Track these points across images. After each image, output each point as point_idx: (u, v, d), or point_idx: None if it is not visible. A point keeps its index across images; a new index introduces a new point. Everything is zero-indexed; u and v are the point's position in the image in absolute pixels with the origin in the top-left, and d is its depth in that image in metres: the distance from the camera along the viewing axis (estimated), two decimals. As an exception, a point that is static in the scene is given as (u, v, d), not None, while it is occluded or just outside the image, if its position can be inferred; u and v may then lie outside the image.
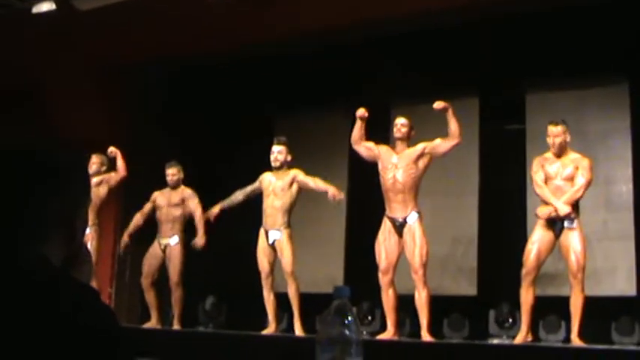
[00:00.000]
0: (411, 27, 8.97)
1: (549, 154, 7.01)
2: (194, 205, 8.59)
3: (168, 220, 8.64)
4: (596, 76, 8.92)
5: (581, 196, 6.83)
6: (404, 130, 7.37)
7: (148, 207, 8.79)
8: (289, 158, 7.90)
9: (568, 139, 6.95)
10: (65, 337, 1.29)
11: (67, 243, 1.53)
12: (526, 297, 6.91)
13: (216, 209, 8.33)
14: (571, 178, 6.86)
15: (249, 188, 8.14)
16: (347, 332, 1.70)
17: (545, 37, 8.69)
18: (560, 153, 6.93)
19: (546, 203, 6.86)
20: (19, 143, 1.56)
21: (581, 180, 6.80)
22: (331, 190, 7.66)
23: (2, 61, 9.54)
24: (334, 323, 1.71)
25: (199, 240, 8.40)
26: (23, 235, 1.46)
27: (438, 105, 7.12)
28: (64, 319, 1.31)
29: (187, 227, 8.70)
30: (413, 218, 7.23)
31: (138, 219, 8.81)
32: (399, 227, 7.26)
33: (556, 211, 6.75)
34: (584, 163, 6.87)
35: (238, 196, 8.23)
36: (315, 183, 7.83)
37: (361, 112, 7.46)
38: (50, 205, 1.49)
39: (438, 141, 7.24)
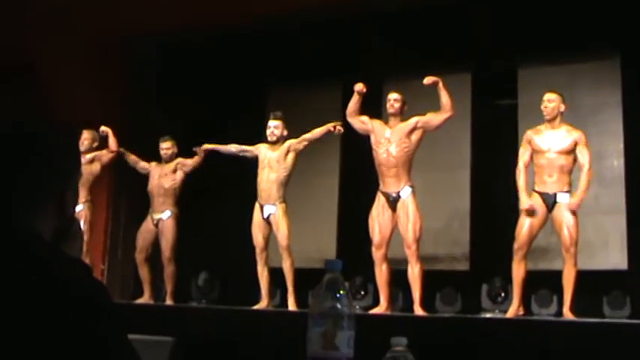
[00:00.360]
0: (404, 3, 8.94)
1: (541, 127, 7.02)
2: (189, 161, 8.62)
3: (160, 194, 8.63)
4: (588, 51, 8.91)
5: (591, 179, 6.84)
6: (397, 105, 7.37)
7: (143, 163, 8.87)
8: (285, 133, 7.90)
9: (562, 108, 6.96)
10: (57, 310, 1.29)
11: (57, 216, 1.52)
12: (518, 271, 6.95)
13: (208, 146, 8.35)
14: (567, 152, 6.86)
15: (245, 147, 8.12)
16: (339, 306, 1.70)
17: (537, 12, 8.66)
18: (552, 119, 6.94)
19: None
20: (12, 119, 1.55)
21: (584, 160, 6.81)
22: (330, 126, 7.72)
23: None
24: (326, 297, 1.71)
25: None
26: (16, 207, 1.45)
27: (428, 80, 7.15)
28: (56, 291, 1.30)
29: (180, 201, 8.70)
30: (406, 193, 7.24)
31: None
32: (393, 202, 7.27)
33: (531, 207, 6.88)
34: (581, 137, 6.87)
35: (231, 148, 8.23)
36: (312, 134, 7.83)
37: (360, 86, 7.47)
38: (41, 178, 1.49)
39: (430, 115, 7.26)
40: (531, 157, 7.04)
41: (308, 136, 7.85)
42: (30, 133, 1.52)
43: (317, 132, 7.82)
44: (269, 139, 7.91)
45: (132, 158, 8.89)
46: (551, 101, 6.97)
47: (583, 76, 8.92)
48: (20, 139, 1.50)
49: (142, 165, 8.86)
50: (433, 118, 7.25)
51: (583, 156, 6.83)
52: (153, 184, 8.70)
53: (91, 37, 9.72)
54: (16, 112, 1.57)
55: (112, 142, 8.79)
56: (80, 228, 1.58)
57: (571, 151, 6.87)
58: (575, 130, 6.93)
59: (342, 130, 7.81)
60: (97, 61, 9.91)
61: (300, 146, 7.86)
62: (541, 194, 6.92)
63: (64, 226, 1.54)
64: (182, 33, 10.10)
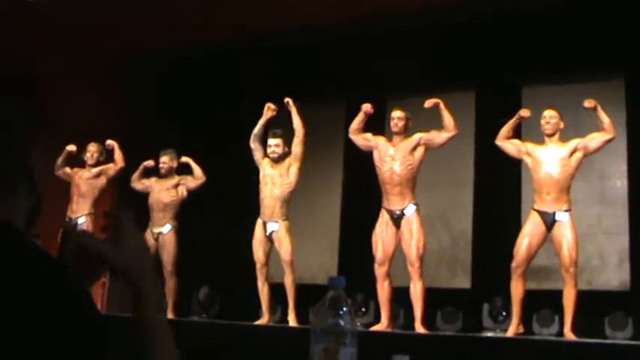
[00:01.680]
0: (408, 21, 8.98)
1: (540, 145, 7.08)
2: (192, 179, 8.65)
3: (159, 209, 8.64)
4: (592, 71, 8.91)
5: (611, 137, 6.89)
6: (400, 124, 7.39)
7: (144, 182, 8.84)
8: (286, 150, 7.91)
9: (561, 125, 7.02)
10: (38, 313, 1.27)
11: (29, 194, 1.53)
12: (516, 289, 6.94)
13: None
14: (566, 165, 6.88)
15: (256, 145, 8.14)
16: (341, 322, 1.70)
17: (542, 31, 8.68)
18: (552, 134, 6.99)
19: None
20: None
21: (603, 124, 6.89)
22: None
23: (-2, 49, 9.52)
24: (329, 313, 1.71)
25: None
26: None
27: (429, 103, 7.28)
28: (35, 292, 1.29)
29: (181, 215, 8.70)
30: (410, 210, 7.25)
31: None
32: (397, 219, 7.28)
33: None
34: (579, 141, 6.92)
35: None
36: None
37: (367, 107, 7.53)
38: (14, 161, 1.50)
39: (434, 132, 7.28)
40: (532, 172, 7.08)
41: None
42: None
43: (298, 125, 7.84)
44: (270, 156, 7.92)
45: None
46: (552, 117, 7.03)
47: (587, 95, 8.84)
48: None
49: (142, 185, 8.85)
50: (437, 136, 7.27)
51: (595, 136, 6.91)
52: (153, 198, 8.70)
53: (91, 52, 9.73)
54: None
55: (118, 156, 8.81)
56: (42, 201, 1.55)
57: (571, 161, 6.89)
58: (572, 140, 6.98)
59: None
60: (97, 76, 9.93)
61: (299, 159, 7.87)
62: (540, 213, 6.92)
63: (36, 203, 1.55)
64: (183, 48, 10.13)
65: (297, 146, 7.83)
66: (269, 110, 7.99)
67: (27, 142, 1.56)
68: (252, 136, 8.00)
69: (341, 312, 1.71)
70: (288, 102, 7.89)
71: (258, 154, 7.99)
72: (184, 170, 8.78)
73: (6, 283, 1.28)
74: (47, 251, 1.39)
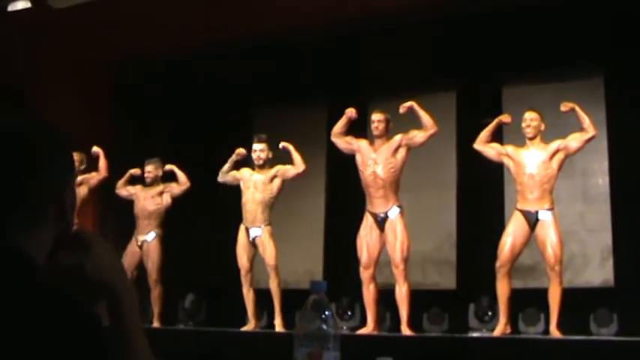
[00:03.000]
0: (387, 23, 8.99)
1: (522, 147, 7.09)
2: (177, 185, 8.62)
3: (144, 217, 8.62)
4: (571, 69, 8.95)
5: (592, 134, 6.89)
6: (381, 126, 7.39)
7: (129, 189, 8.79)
8: (270, 155, 7.93)
9: (542, 127, 7.04)
10: (42, 337, 1.27)
11: (58, 222, 1.50)
12: (501, 289, 6.96)
13: None
14: (548, 167, 6.90)
15: (227, 178, 8.13)
16: (324, 327, 1.70)
17: (522, 31, 8.72)
18: (533, 137, 7.00)
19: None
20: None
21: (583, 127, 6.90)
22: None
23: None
24: (311, 318, 1.71)
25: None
26: (15, 218, 1.43)
27: (403, 108, 7.30)
28: (43, 320, 1.28)
29: (165, 222, 8.68)
30: (394, 213, 7.26)
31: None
32: (381, 222, 7.29)
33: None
34: (561, 142, 6.94)
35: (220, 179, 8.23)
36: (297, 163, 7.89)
37: (352, 112, 7.52)
38: (36, 185, 1.46)
39: (414, 132, 7.29)
40: (514, 174, 7.10)
41: (297, 171, 7.88)
42: (25, 139, 1.47)
43: (296, 156, 7.86)
44: (255, 162, 7.94)
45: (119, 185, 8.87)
46: (533, 120, 7.04)
47: (567, 94, 8.92)
48: (15, 146, 1.46)
49: (127, 192, 8.82)
50: (417, 136, 7.27)
51: (576, 136, 6.93)
52: (138, 207, 8.68)
53: (77, 60, 9.71)
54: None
55: (103, 165, 8.77)
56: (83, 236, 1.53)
57: (552, 163, 6.91)
58: (554, 142, 7.00)
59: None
60: (82, 84, 9.91)
61: (289, 175, 7.89)
62: (523, 212, 6.95)
63: (64, 230, 1.52)
64: (167, 55, 10.11)
65: (290, 172, 7.87)
66: (238, 155, 8.08)
67: (59, 166, 1.53)
68: (220, 174, 8.10)
69: (323, 316, 1.71)
70: (284, 146, 7.89)
71: (230, 178, 8.06)
72: (169, 178, 8.76)
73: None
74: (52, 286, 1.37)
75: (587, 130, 6.88)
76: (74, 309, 1.34)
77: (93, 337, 1.32)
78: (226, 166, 8.09)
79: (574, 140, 6.95)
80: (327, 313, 1.72)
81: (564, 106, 7.01)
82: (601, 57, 8.74)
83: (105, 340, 1.35)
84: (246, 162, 8.14)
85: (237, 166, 8.13)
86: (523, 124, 7.08)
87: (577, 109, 6.94)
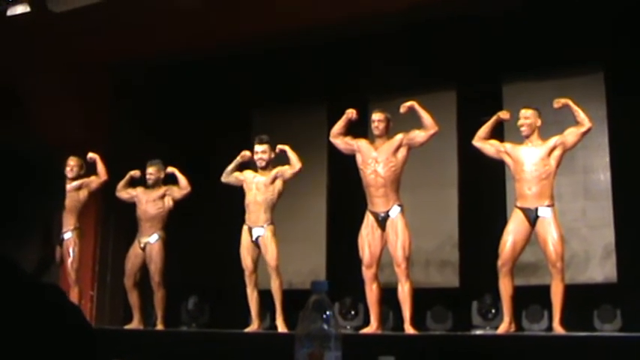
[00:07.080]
0: (388, 22, 8.98)
1: (519, 144, 7.09)
2: (178, 189, 8.59)
3: (147, 219, 8.60)
4: (572, 66, 8.95)
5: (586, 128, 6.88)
6: (381, 126, 7.36)
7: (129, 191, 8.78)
8: (272, 156, 7.92)
9: (538, 123, 7.02)
10: (35, 336, 1.27)
11: (42, 246, 1.50)
12: (504, 287, 6.94)
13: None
14: (546, 163, 6.89)
15: (230, 179, 8.14)
16: (325, 327, 1.70)
17: (522, 28, 8.72)
18: (529, 134, 6.99)
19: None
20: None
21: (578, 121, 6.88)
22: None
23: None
24: (313, 318, 1.71)
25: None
26: (2, 233, 1.43)
27: (404, 108, 7.26)
28: (33, 318, 1.29)
29: (168, 224, 8.67)
30: (395, 212, 7.24)
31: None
32: (382, 221, 7.27)
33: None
34: (558, 138, 6.93)
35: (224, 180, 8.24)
36: (293, 162, 7.87)
37: (352, 113, 7.50)
38: (27, 205, 1.46)
39: (415, 131, 7.27)
40: (512, 171, 7.11)
41: (293, 171, 7.87)
42: (17, 159, 1.49)
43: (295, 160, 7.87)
44: (258, 164, 7.93)
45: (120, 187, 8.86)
46: (527, 118, 7.02)
47: (567, 91, 8.90)
48: (6, 165, 1.48)
49: (127, 194, 8.79)
50: (418, 135, 7.25)
51: (572, 130, 6.90)
52: (140, 209, 8.66)
53: (74, 62, 9.71)
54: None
55: (101, 169, 8.74)
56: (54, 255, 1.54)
57: (550, 160, 6.90)
58: (551, 138, 6.99)
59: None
60: (81, 86, 9.91)
61: (288, 175, 7.88)
62: (523, 210, 6.93)
63: (47, 254, 1.52)
64: (167, 56, 10.11)
65: (288, 173, 7.86)
66: (243, 158, 8.08)
67: (51, 188, 1.53)
68: (224, 174, 8.08)
69: (324, 316, 1.71)
70: (281, 149, 7.89)
71: (233, 179, 8.04)
72: (170, 180, 8.75)
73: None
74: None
75: (582, 124, 6.86)
76: (61, 304, 1.35)
77: (81, 331, 1.33)
78: (230, 167, 8.08)
79: (570, 135, 6.93)
80: (328, 313, 1.71)
81: (557, 103, 7.00)
82: (601, 53, 8.73)
83: (94, 333, 1.36)
84: (248, 164, 8.14)
85: (240, 167, 8.13)
86: (518, 123, 7.07)
87: (570, 103, 6.93)
